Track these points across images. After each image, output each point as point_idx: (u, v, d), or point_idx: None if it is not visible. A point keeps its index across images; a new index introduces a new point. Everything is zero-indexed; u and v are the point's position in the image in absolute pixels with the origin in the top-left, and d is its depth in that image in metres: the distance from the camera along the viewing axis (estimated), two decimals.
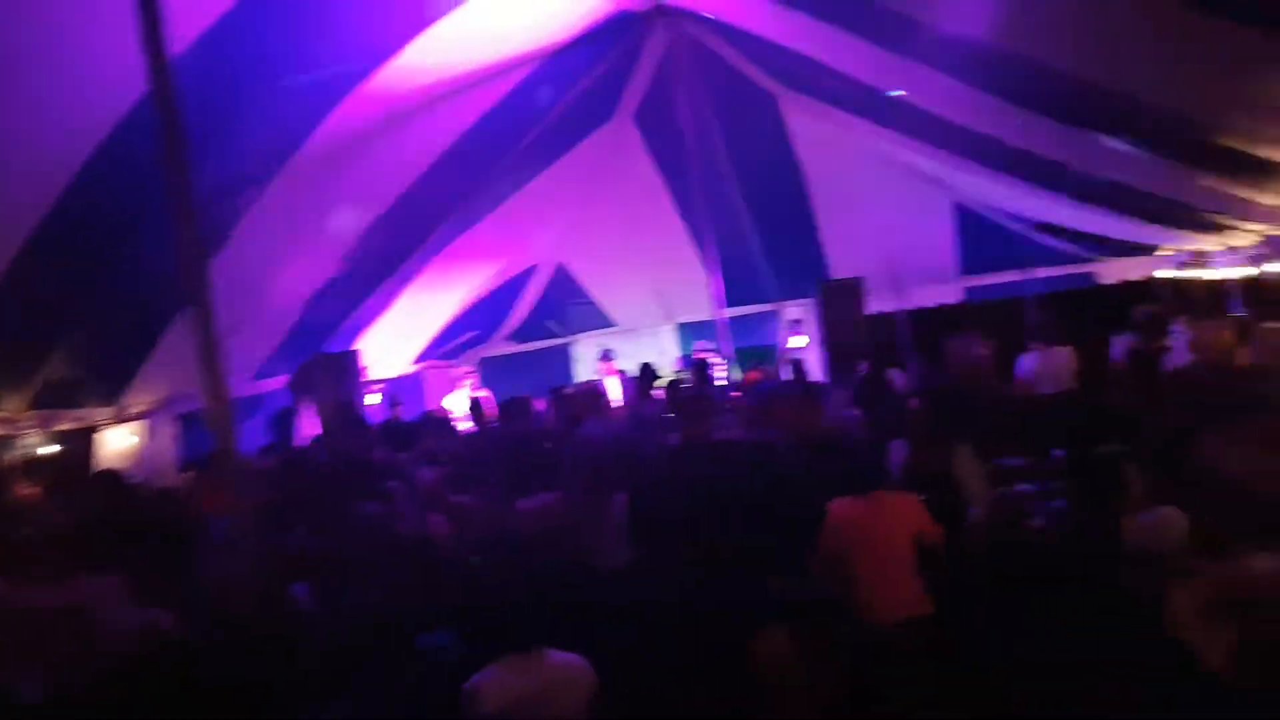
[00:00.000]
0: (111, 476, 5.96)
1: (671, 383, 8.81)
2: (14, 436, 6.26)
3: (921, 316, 11.93)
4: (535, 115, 8.09)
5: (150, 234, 5.13)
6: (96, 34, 4.14)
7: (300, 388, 8.84)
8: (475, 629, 3.45)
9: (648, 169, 10.28)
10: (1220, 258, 9.89)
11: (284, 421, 7.75)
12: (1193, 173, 6.37)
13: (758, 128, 9.74)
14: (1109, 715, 3.25)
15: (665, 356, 12.11)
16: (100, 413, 6.85)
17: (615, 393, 9.87)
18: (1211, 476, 4.32)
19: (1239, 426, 4.51)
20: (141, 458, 7.29)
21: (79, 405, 6.58)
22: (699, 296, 10.17)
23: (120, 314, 5.96)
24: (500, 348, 12.77)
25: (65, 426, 6.58)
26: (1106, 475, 4.35)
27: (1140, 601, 3.56)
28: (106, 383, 6.60)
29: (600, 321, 12.72)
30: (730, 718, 2.90)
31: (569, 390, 8.91)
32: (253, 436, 7.69)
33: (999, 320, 10.99)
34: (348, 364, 8.97)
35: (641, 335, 12.75)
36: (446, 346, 11.65)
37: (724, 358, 9.43)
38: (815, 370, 10.38)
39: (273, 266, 6.85)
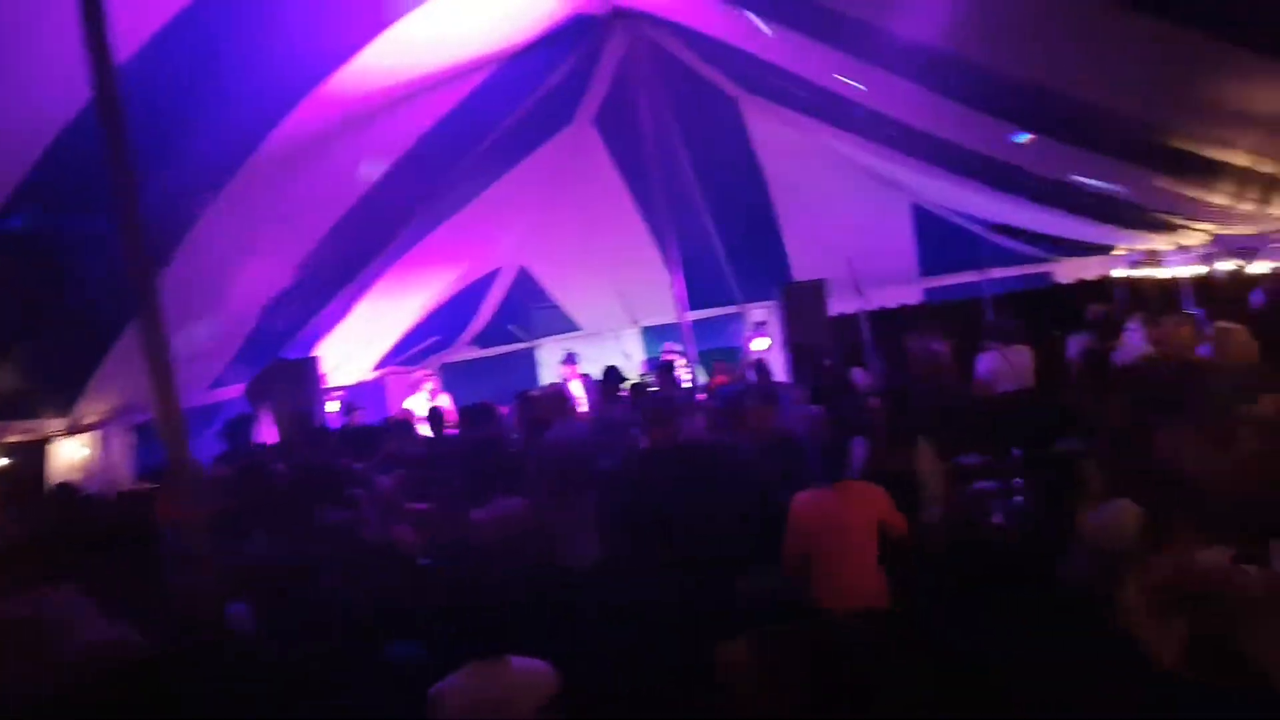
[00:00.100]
0: (66, 490, 5.85)
1: (636, 386, 8.80)
2: None
3: (883, 317, 12.07)
4: (494, 118, 8.05)
5: (100, 241, 5.04)
6: (42, 37, 4.06)
7: (258, 395, 8.73)
8: (439, 637, 3.43)
9: (609, 172, 10.28)
10: (1172, 257, 10.09)
11: (238, 430, 7.63)
12: (1144, 174, 6.49)
13: (719, 131, 9.78)
14: (1066, 710, 3.29)
15: (630, 360, 12.11)
16: (52, 424, 6.71)
17: (580, 396, 9.85)
18: (1164, 472, 4.40)
19: (1191, 422, 4.60)
20: (96, 469, 7.15)
21: (30, 416, 6.44)
22: (662, 299, 10.19)
23: (71, 323, 5.84)
24: (463, 353, 12.69)
25: (16, 438, 6.44)
26: (1064, 472, 4.41)
27: (1094, 596, 3.62)
28: (58, 393, 6.47)
29: (564, 325, 12.69)
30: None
31: (534, 393, 8.87)
32: (210, 445, 7.58)
33: (958, 320, 11.16)
34: (306, 371, 8.87)
35: (605, 339, 12.74)
36: (408, 352, 11.56)
37: (690, 360, 9.45)
38: (779, 371, 10.43)
39: (229, 273, 6.75)
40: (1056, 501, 4.36)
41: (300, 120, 5.67)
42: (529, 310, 12.24)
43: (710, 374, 10.02)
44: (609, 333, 12.72)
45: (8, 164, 4.63)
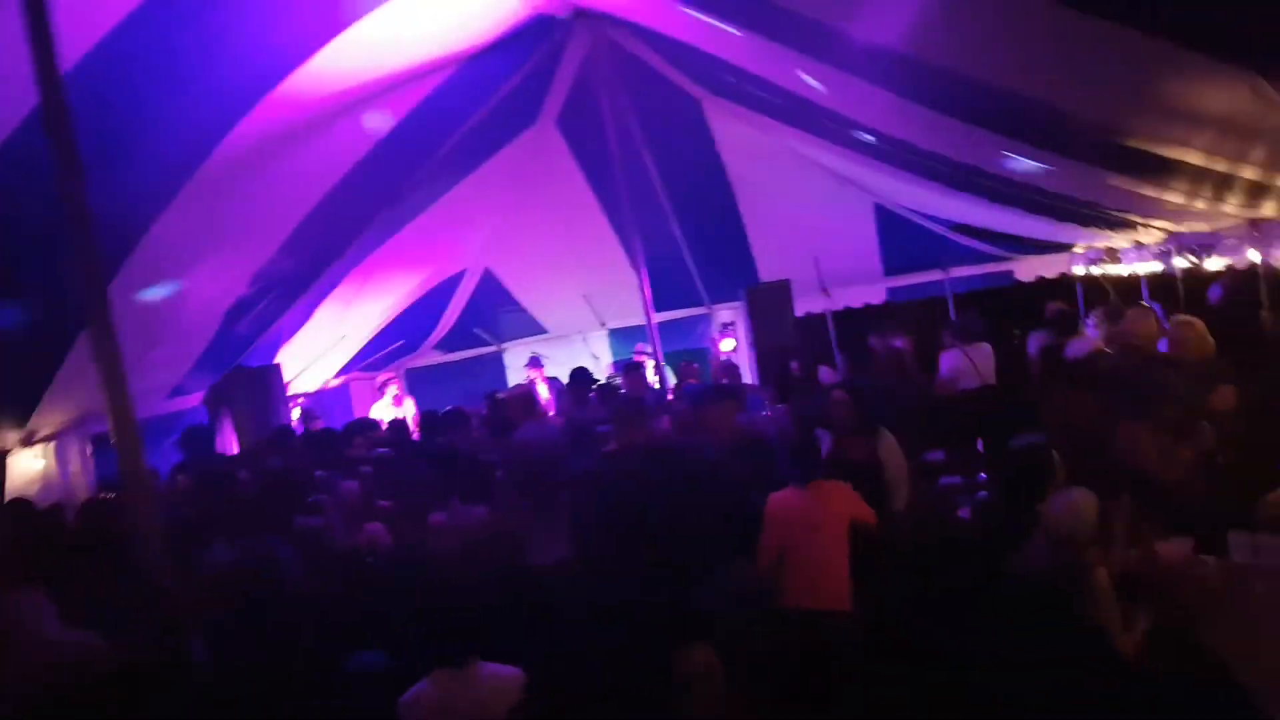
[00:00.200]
0: (22, 505, 5.74)
1: (604, 387, 8.78)
2: None
3: (848, 316, 12.17)
4: (456, 120, 7.99)
5: (51, 250, 4.94)
6: None
7: (218, 403, 8.61)
8: (405, 646, 3.40)
9: (573, 174, 10.25)
10: (1130, 254, 10.25)
11: (196, 439, 7.52)
12: (1101, 173, 6.57)
13: (683, 132, 9.78)
14: (1036, 705, 3.32)
15: (598, 362, 12.09)
16: (6, 436, 6.57)
17: (547, 399, 9.82)
18: (1123, 465, 4.46)
19: (1150, 416, 4.67)
20: (55, 480, 7.02)
21: None
22: (630, 301, 10.17)
23: (23, 333, 5.72)
24: (428, 357, 12.60)
25: None
26: (1026, 466, 4.46)
27: (1056, 586, 3.65)
28: (12, 405, 6.33)
29: (530, 328, 12.64)
30: None
31: (501, 396, 8.83)
32: (170, 455, 7.46)
33: (922, 319, 11.28)
34: (267, 378, 8.76)
35: (573, 341, 12.71)
36: (372, 357, 11.45)
37: (659, 361, 9.45)
38: (747, 372, 10.47)
39: (186, 280, 6.64)
40: (1019, 495, 4.40)
41: (257, 124, 5.58)
42: (495, 314, 12.17)
43: (679, 375, 10.04)
44: (576, 335, 12.69)
45: None
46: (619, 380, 9.34)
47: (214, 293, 7.24)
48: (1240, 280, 7.39)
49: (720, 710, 2.77)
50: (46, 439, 6.96)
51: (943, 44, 4.95)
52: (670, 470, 4.88)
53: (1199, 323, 6.12)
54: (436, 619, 3.20)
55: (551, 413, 8.96)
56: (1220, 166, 5.31)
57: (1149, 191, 6.69)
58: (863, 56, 5.43)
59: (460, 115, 8.00)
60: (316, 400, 10.73)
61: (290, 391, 9.54)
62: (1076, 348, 6.49)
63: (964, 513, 6.10)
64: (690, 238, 11.37)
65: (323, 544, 4.89)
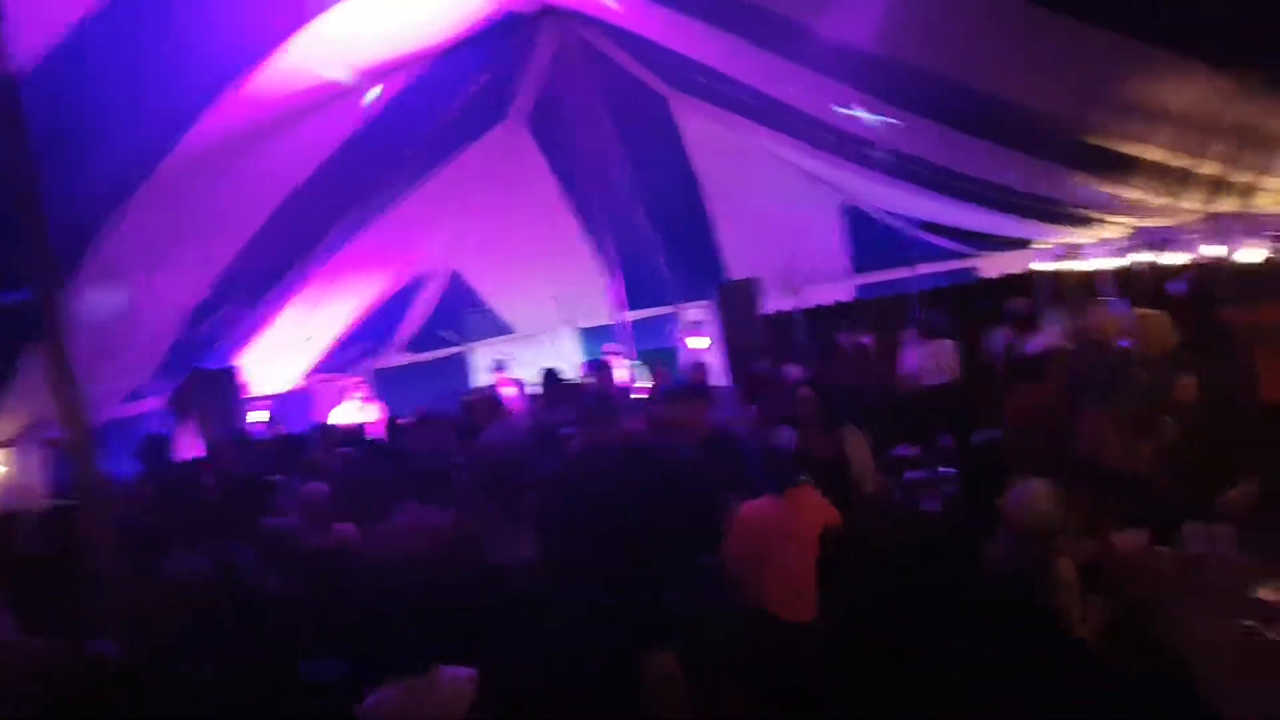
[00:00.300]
0: None
1: (573, 387, 8.74)
2: None
3: (817, 314, 12.22)
4: (423, 118, 7.91)
5: (5, 252, 4.82)
6: None
7: (178, 408, 8.48)
8: (365, 651, 3.35)
9: (542, 172, 10.19)
10: (1092, 250, 10.37)
11: (154, 449, 7.39)
12: (1062, 170, 6.64)
13: (651, 130, 9.77)
14: (1007, 699, 3.33)
15: (568, 362, 12.03)
16: None
17: (512, 399, 9.75)
18: (1082, 457, 4.50)
19: (1112, 409, 4.71)
20: (11, 486, 6.90)
21: None
22: (599, 300, 10.13)
23: None
24: (394, 359, 12.47)
25: None
26: (987, 460, 4.48)
27: (1020, 578, 3.67)
28: None
29: (498, 328, 12.55)
30: None
31: (466, 398, 8.77)
32: (128, 461, 7.33)
33: (889, 315, 11.34)
34: (226, 381, 8.64)
35: (542, 341, 12.63)
36: (337, 359, 11.31)
37: (629, 361, 9.43)
38: (717, 371, 10.46)
39: (145, 282, 6.52)
40: (981, 490, 4.42)
41: (218, 122, 5.49)
42: (461, 314, 12.07)
43: (651, 374, 10.02)
44: (545, 335, 12.62)
45: None
46: (589, 379, 9.29)
47: (174, 295, 7.12)
48: (1202, 274, 7.50)
49: (682, 715, 2.75)
50: (4, 445, 6.84)
51: (911, 43, 4.97)
52: (638, 470, 4.85)
53: (1161, 315, 6.20)
54: (395, 624, 3.16)
55: (518, 414, 8.89)
56: (1180, 162, 5.37)
57: (1111, 188, 6.77)
58: (831, 55, 5.44)
59: (427, 113, 7.93)
60: (280, 403, 10.59)
61: (254, 394, 9.40)
62: (1034, 343, 6.55)
63: (933, 505, 6.14)
64: (659, 236, 11.35)
65: (288, 545, 4.83)
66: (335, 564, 4.58)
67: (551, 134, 9.43)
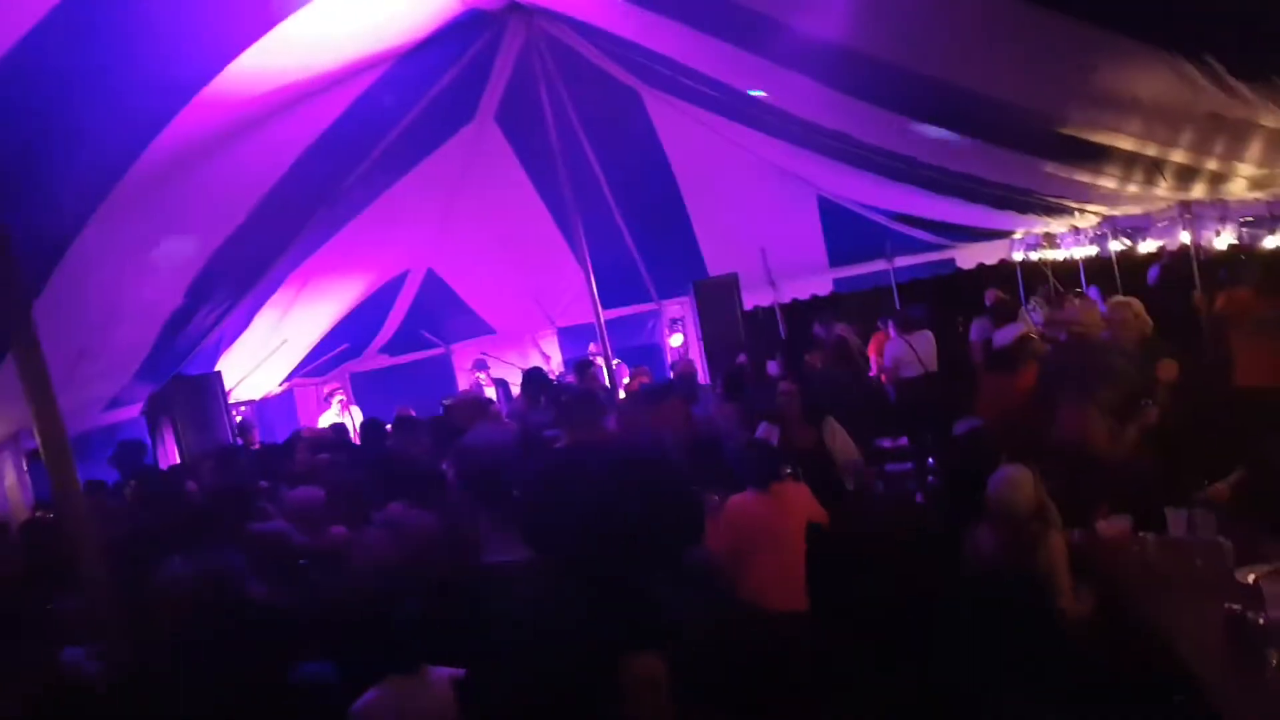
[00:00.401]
0: None
1: (556, 386, 8.73)
2: None
3: (795, 308, 12.28)
4: (391, 118, 7.85)
5: None
6: None
7: (158, 414, 8.40)
8: (355, 653, 3.35)
9: (515, 171, 10.14)
10: (1067, 239, 10.48)
11: (129, 454, 7.33)
12: (1036, 161, 6.69)
13: (624, 126, 9.73)
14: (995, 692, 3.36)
15: (548, 361, 12.02)
16: None
17: (493, 399, 9.74)
18: (1066, 446, 4.54)
19: (1094, 397, 4.76)
20: None
21: None
22: (578, 299, 10.11)
23: None
24: (374, 361, 12.41)
25: None
26: (967, 450, 4.52)
27: (1004, 566, 3.70)
28: None
29: (478, 329, 12.52)
30: None
31: (448, 401, 8.76)
32: (109, 468, 7.27)
33: (868, 308, 11.42)
34: (208, 387, 8.57)
35: (522, 340, 12.62)
36: (316, 362, 11.24)
37: (610, 359, 9.43)
38: (699, 366, 10.49)
39: (117, 290, 6.44)
40: (962, 480, 4.46)
41: (184, 127, 5.42)
42: (440, 315, 12.03)
43: (633, 373, 10.03)
44: (525, 334, 12.61)
45: None
46: (571, 378, 9.30)
47: (149, 301, 7.04)
48: (1175, 261, 7.59)
49: (664, 717, 2.77)
50: None
51: (883, 36, 4.99)
52: (622, 470, 4.85)
53: (1136, 302, 6.27)
54: (384, 626, 3.16)
55: (501, 415, 8.88)
56: (1151, 151, 5.43)
57: (1084, 177, 6.83)
58: (800, 49, 5.45)
59: (395, 113, 7.86)
60: (260, 408, 10.53)
61: (232, 400, 9.33)
62: (1003, 334, 6.60)
63: (918, 498, 6.20)
64: (636, 233, 11.35)
65: (276, 550, 4.81)
66: (324, 568, 4.57)
67: (523, 131, 9.38)
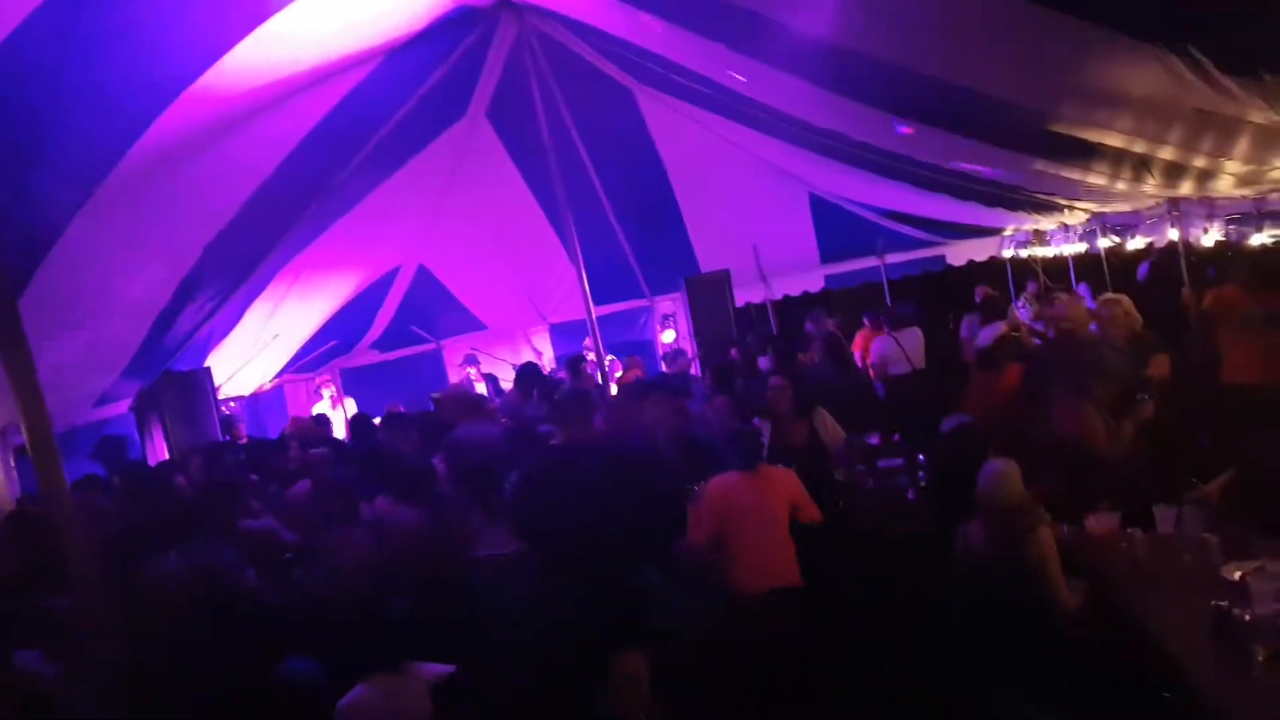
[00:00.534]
0: None
1: (548, 382, 8.71)
2: None
3: (787, 305, 12.30)
4: (382, 114, 7.83)
5: None
6: None
7: (147, 410, 8.37)
8: (342, 650, 3.34)
9: (507, 167, 10.12)
10: (1056, 235, 10.52)
11: (112, 450, 7.30)
12: (1026, 158, 6.70)
13: (617, 123, 9.72)
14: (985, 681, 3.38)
15: (540, 357, 12.00)
16: None
17: (484, 394, 9.72)
18: (1057, 442, 4.55)
19: (1085, 394, 4.78)
20: None
21: None
22: (570, 295, 10.10)
23: None
24: (365, 357, 12.37)
25: None
26: (955, 447, 4.54)
27: (996, 560, 3.71)
28: None
29: (469, 325, 12.49)
30: None
31: (438, 396, 8.73)
32: (97, 464, 7.25)
33: (859, 304, 11.44)
34: (197, 382, 8.54)
35: (514, 337, 12.60)
36: (307, 358, 11.21)
37: (602, 356, 9.43)
38: (691, 363, 10.49)
39: (105, 286, 6.41)
40: (951, 476, 4.48)
41: (174, 122, 5.40)
42: (431, 311, 12.00)
43: (625, 368, 10.03)
44: (517, 330, 12.59)
45: None
46: (562, 374, 9.29)
47: (138, 297, 7.01)
48: (1163, 258, 7.62)
49: (645, 715, 2.78)
50: None
51: (874, 34, 4.99)
52: (615, 464, 4.85)
53: (1125, 299, 6.30)
54: (372, 622, 3.16)
55: (493, 410, 8.87)
56: (1139, 148, 5.45)
57: (1073, 175, 6.85)
58: (792, 47, 5.45)
59: (386, 109, 7.84)
60: (251, 404, 10.50)
61: (222, 395, 9.31)
62: (985, 334, 6.61)
63: (910, 494, 6.22)
64: (628, 229, 11.34)
65: (266, 546, 4.81)
66: (314, 563, 4.56)
67: (514, 128, 9.36)
